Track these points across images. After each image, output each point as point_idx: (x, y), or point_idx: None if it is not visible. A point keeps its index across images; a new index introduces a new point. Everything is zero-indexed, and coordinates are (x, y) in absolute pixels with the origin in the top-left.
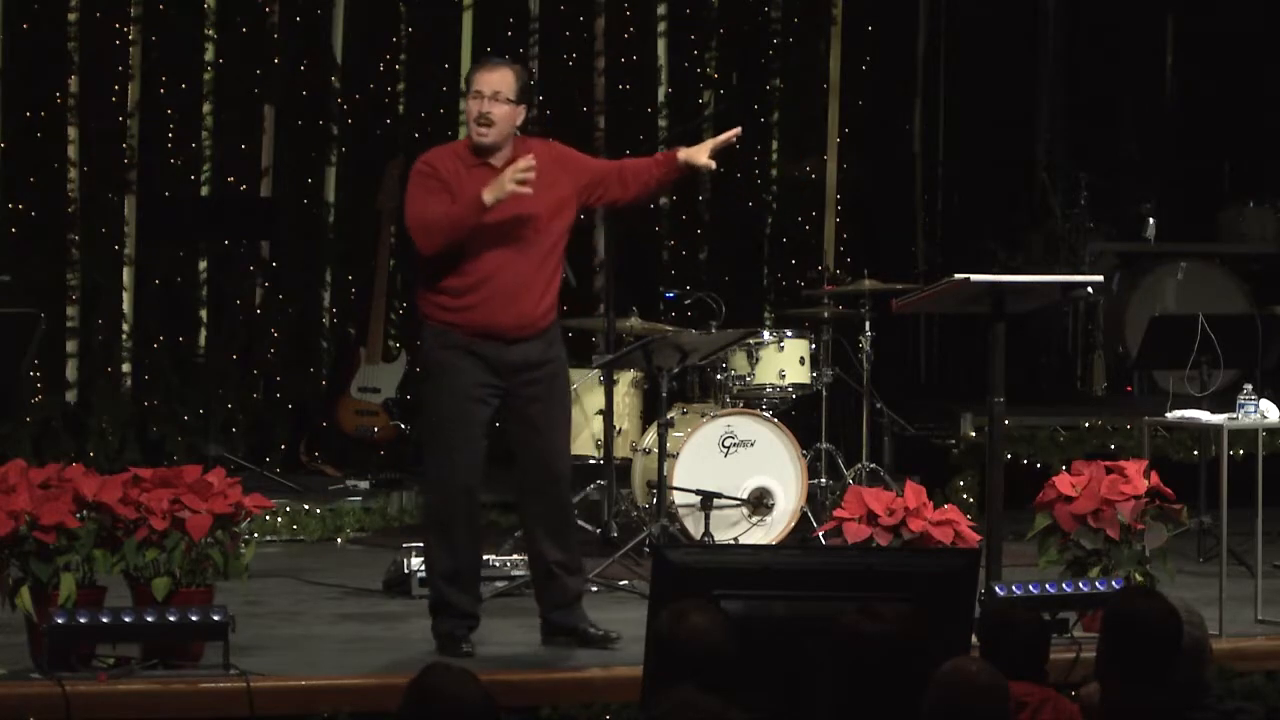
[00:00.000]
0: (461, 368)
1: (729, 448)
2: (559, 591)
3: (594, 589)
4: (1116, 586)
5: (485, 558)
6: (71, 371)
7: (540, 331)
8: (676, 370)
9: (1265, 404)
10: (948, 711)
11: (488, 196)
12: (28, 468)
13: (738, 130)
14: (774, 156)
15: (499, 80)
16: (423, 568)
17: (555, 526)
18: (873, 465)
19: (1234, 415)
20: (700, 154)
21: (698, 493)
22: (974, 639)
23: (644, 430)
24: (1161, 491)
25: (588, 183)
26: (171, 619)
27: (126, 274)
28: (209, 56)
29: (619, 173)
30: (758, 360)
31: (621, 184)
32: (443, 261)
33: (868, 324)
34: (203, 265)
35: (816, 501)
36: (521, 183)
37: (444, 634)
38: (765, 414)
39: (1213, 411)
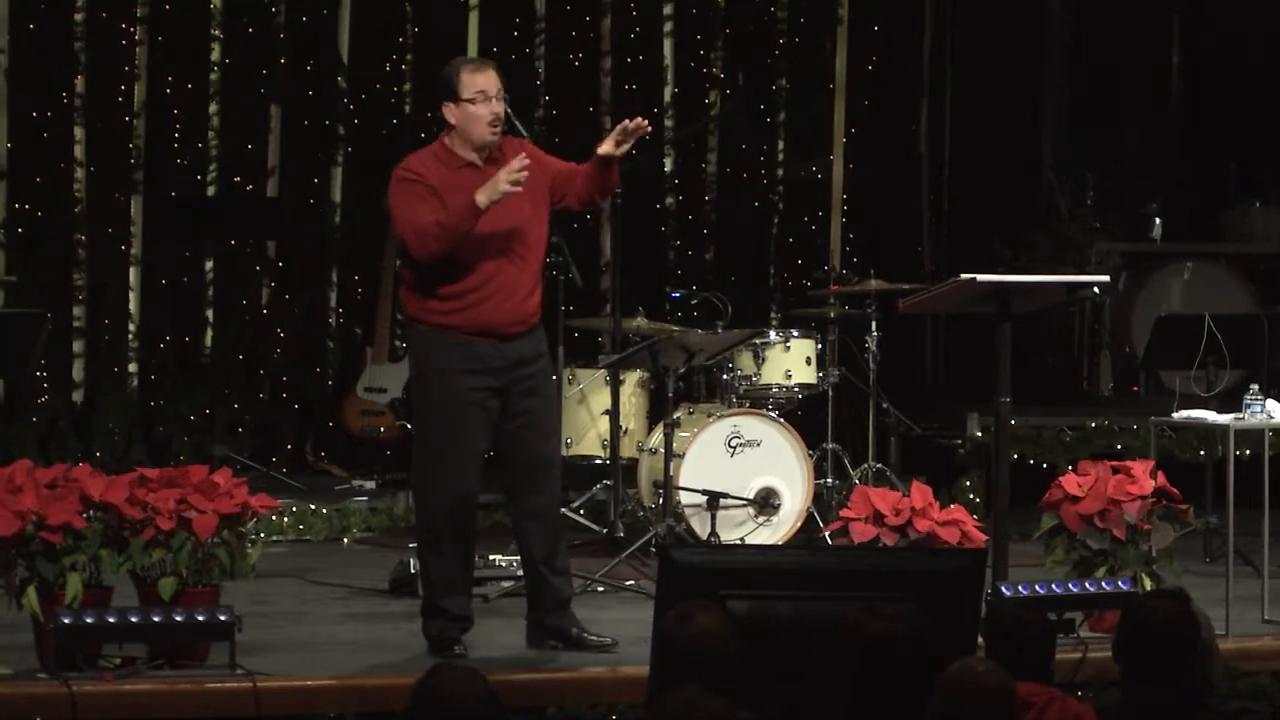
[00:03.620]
0: (459, 370)
1: (735, 448)
2: (551, 594)
3: (600, 589)
4: (1123, 587)
5: (491, 557)
6: (78, 371)
7: (531, 328)
8: (683, 370)
9: (1272, 404)
10: (954, 712)
11: (481, 199)
12: (34, 468)
13: (643, 120)
14: (780, 157)
15: (496, 80)
16: None
17: (546, 527)
18: (879, 465)
19: (1240, 415)
20: (607, 142)
21: (704, 493)
22: (980, 639)
23: (650, 430)
24: (1168, 491)
25: (554, 184)
26: (178, 619)
27: (133, 274)
28: (215, 56)
29: (572, 175)
30: (764, 360)
31: (574, 186)
32: (437, 264)
33: (874, 324)
34: (209, 265)
35: (823, 501)
36: (515, 183)
37: (434, 636)
38: (771, 414)
39: (1219, 411)
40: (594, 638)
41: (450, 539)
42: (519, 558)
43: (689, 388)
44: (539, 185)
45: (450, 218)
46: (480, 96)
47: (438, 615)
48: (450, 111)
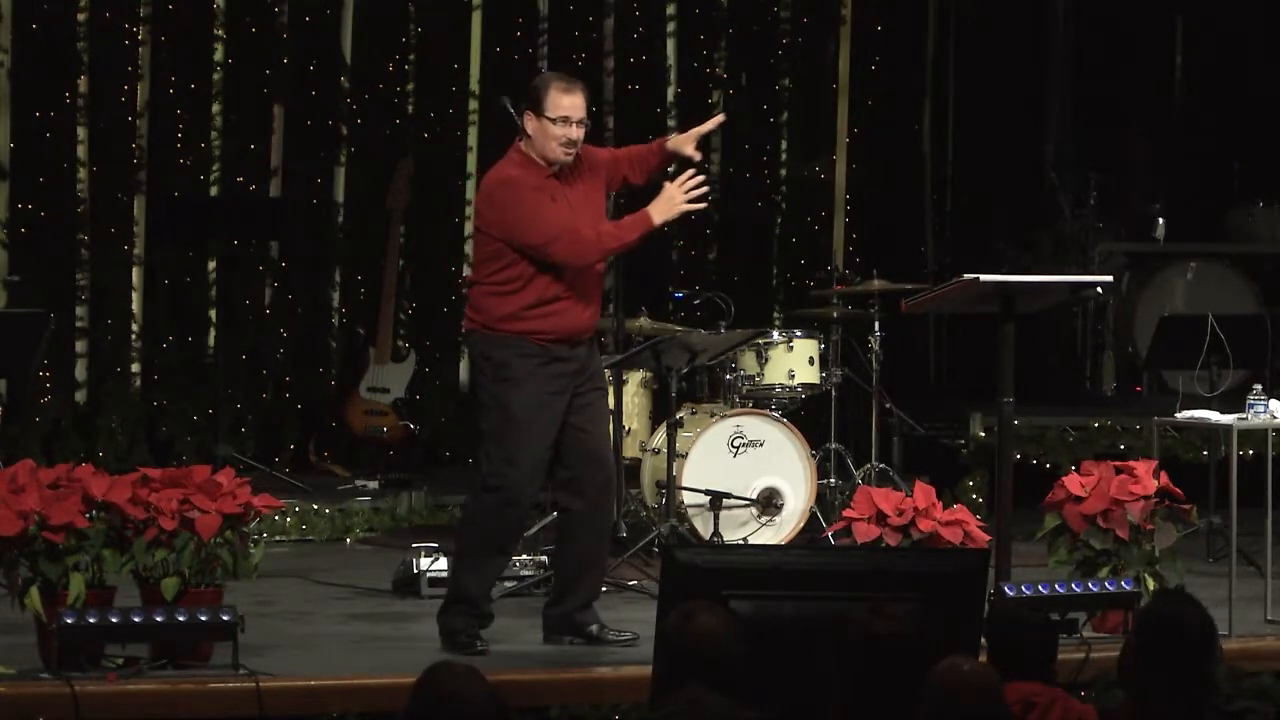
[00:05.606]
0: (540, 376)
1: (738, 448)
2: (589, 588)
3: (604, 589)
4: (1126, 587)
5: None
6: (81, 372)
7: (594, 332)
8: (685, 370)
9: (1275, 404)
10: (942, 711)
11: (658, 218)
12: (37, 468)
13: (722, 117)
14: (783, 156)
15: (583, 105)
16: (432, 568)
17: (603, 523)
18: (882, 465)
19: (1244, 415)
20: (686, 144)
21: (707, 493)
22: (983, 639)
23: (653, 430)
24: (1171, 492)
25: (607, 176)
26: (181, 619)
27: (136, 274)
28: (218, 56)
29: (629, 159)
30: (767, 360)
31: (632, 169)
32: (525, 273)
33: (877, 324)
34: (212, 265)
35: (826, 501)
36: (694, 200)
37: (458, 629)
38: (774, 414)
39: (1222, 411)
40: (614, 634)
41: (511, 539)
42: (525, 557)
43: (692, 388)
44: (598, 191)
45: (624, 231)
46: (563, 121)
47: (467, 608)
48: (530, 122)
